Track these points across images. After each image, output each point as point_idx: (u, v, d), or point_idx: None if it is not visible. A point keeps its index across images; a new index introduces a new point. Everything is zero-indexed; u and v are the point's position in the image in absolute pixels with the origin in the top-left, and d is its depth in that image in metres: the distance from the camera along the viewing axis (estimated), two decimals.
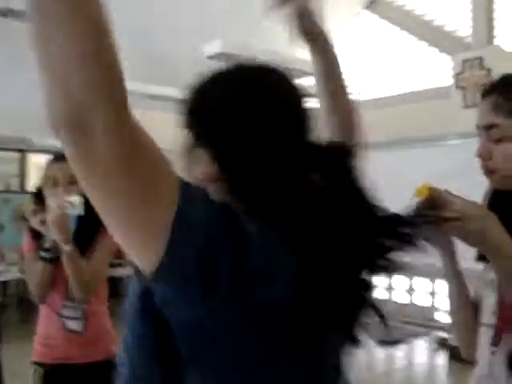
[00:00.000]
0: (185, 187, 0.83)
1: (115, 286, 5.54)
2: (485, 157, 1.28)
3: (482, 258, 1.32)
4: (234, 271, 0.82)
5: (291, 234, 0.89)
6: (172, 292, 0.85)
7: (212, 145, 0.97)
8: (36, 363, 2.36)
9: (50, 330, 2.34)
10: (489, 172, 1.28)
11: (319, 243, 0.90)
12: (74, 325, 2.31)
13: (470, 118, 5.50)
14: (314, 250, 0.89)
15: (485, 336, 1.32)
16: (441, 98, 7.43)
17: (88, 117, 0.74)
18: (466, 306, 1.39)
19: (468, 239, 1.13)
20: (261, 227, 0.88)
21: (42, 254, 2.23)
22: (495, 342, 1.28)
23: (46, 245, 2.23)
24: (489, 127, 1.27)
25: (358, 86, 9.17)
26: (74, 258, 2.18)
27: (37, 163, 9.19)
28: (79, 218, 2.17)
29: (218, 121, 0.98)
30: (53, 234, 2.15)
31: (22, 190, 8.82)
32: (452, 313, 1.43)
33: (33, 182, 7.94)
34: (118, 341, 2.47)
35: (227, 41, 5.27)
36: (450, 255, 1.34)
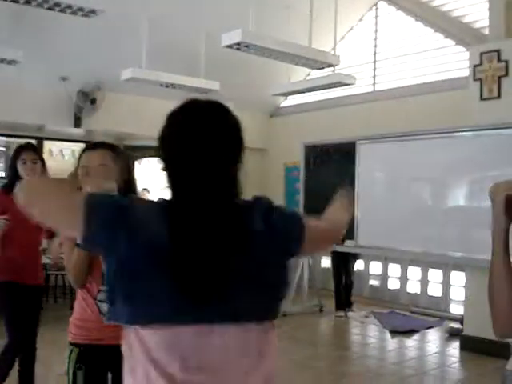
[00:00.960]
0: (89, 197, 1.46)
1: None
2: None
3: None
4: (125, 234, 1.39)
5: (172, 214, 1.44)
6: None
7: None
8: (72, 344, 2.45)
9: (86, 313, 2.43)
10: None
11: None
12: (107, 309, 2.37)
13: (486, 110, 5.50)
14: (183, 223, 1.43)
15: None
16: (457, 88, 7.43)
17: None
18: (508, 284, 1.41)
19: None
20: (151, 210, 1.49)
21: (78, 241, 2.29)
22: None
23: None
24: None
25: (375, 77, 9.19)
26: None
27: (52, 150, 9.31)
28: None
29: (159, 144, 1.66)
30: None
31: None
32: (492, 288, 1.45)
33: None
34: None
35: (247, 30, 5.30)
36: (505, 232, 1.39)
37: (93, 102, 8.55)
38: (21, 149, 4.01)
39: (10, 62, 6.22)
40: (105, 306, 2.35)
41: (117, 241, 1.38)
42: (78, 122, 8.64)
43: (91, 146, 2.47)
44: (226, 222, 1.45)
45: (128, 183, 2.46)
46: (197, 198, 1.45)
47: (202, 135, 1.50)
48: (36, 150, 4.18)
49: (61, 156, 9.57)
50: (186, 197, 1.46)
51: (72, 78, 8.28)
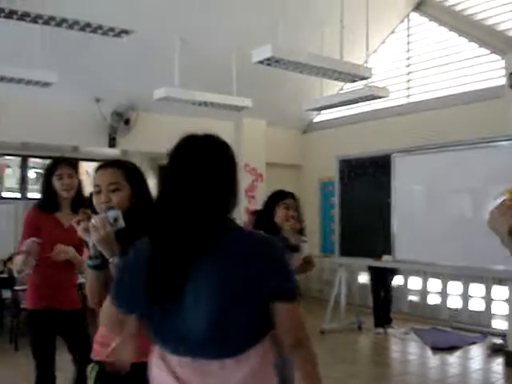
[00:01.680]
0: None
1: None
2: None
3: None
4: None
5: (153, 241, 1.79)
6: None
7: None
8: (94, 361, 2.44)
9: (104, 329, 2.40)
10: None
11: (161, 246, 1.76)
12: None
13: None
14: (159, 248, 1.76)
15: None
16: (493, 98, 7.29)
17: None
18: None
19: None
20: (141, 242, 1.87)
21: (89, 262, 2.28)
22: None
23: (91, 253, 2.27)
24: None
25: (409, 89, 9.08)
26: None
27: (88, 171, 9.41)
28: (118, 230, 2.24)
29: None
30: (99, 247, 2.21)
31: None
32: None
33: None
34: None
35: (277, 45, 5.27)
36: None
37: (127, 122, 8.63)
38: (56, 163, 3.77)
39: (45, 85, 6.27)
40: None
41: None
42: (112, 143, 8.73)
43: (103, 164, 2.44)
44: (194, 241, 1.72)
45: (143, 204, 2.38)
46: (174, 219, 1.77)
47: (185, 168, 1.79)
48: (72, 164, 3.88)
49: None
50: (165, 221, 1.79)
51: (106, 99, 8.38)
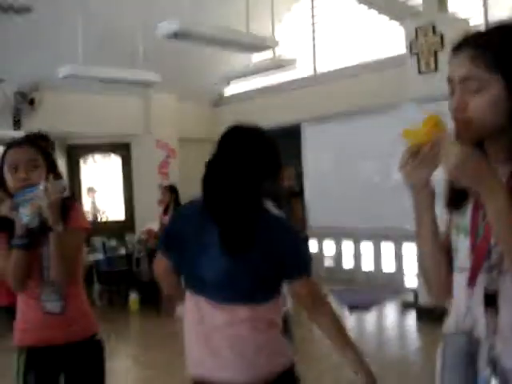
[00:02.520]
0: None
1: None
2: (461, 108, 1.32)
3: (452, 204, 1.43)
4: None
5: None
6: None
7: None
8: (19, 347, 2.38)
9: (29, 315, 2.36)
10: (464, 123, 1.31)
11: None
12: (52, 307, 2.33)
13: (425, 84, 5.59)
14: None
15: (460, 280, 1.39)
16: (396, 66, 7.53)
17: None
18: (438, 250, 1.45)
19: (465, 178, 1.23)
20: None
21: (18, 241, 2.23)
22: (471, 283, 1.35)
23: (19, 232, 2.22)
24: (465, 79, 1.31)
25: (315, 59, 9.24)
26: (63, 238, 2.21)
27: None
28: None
29: None
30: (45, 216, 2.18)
31: None
32: (423, 258, 1.48)
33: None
34: (96, 321, 2.53)
35: (183, 19, 5.24)
36: (429, 198, 1.39)
37: (31, 102, 8.35)
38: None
39: None
40: (49, 305, 2.31)
41: None
42: (17, 124, 8.43)
43: (17, 142, 2.38)
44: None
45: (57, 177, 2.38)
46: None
47: (226, 155, 2.07)
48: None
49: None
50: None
51: (8, 79, 8.06)
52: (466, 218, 1.40)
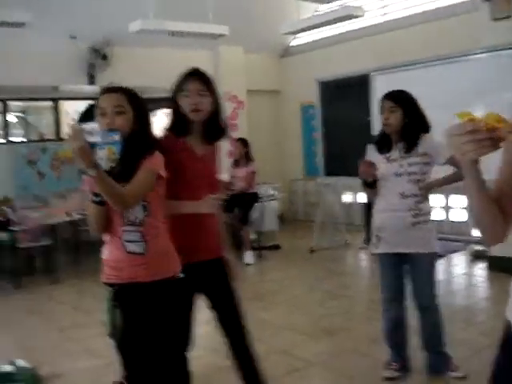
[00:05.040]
0: None
1: None
2: None
3: None
4: None
5: None
6: None
7: None
8: (106, 284, 2.56)
9: (115, 254, 2.53)
10: None
11: None
12: (134, 247, 2.49)
13: (499, 31, 5.45)
14: None
15: None
16: (468, 12, 7.33)
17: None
18: (493, 207, 1.48)
19: None
20: None
21: (93, 198, 2.38)
22: None
23: (94, 188, 2.35)
24: None
25: (384, 7, 9.06)
26: (101, 178, 2.25)
27: (68, 110, 9.39)
28: (125, 146, 2.29)
29: None
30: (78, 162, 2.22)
31: (58, 138, 9.02)
32: (479, 219, 1.52)
33: (66, 129, 8.14)
34: (178, 261, 2.63)
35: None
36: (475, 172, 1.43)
37: (104, 57, 8.56)
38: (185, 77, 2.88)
39: (19, 25, 6.15)
40: (132, 246, 2.48)
41: None
42: (91, 80, 8.68)
43: (108, 88, 2.53)
44: None
45: (144, 129, 2.54)
46: None
47: None
48: (204, 80, 2.87)
49: (77, 115, 9.67)
50: None
51: (82, 36, 8.28)
52: None
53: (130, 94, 2.51)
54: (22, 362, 4.01)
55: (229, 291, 2.99)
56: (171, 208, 2.67)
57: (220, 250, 2.99)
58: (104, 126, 2.36)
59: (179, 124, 2.82)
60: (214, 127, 2.88)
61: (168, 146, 2.68)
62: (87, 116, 2.52)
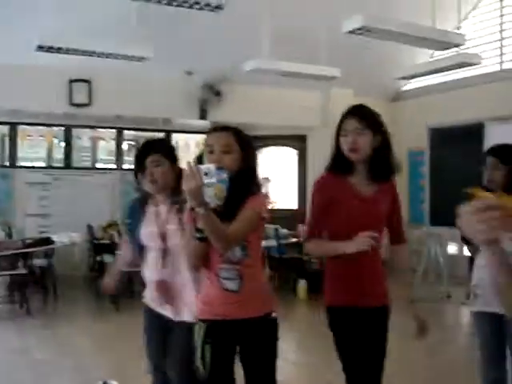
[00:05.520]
0: None
1: None
2: None
3: None
4: None
5: None
6: None
7: None
8: (199, 319, 2.59)
9: (211, 290, 2.57)
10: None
11: None
12: (230, 285, 2.51)
13: None
14: None
15: None
16: None
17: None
18: None
19: None
20: None
21: (196, 234, 2.42)
22: None
23: (199, 225, 2.38)
24: None
25: (502, 55, 8.82)
26: (209, 219, 2.28)
27: (179, 142, 9.71)
28: (231, 185, 2.31)
29: None
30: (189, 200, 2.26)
31: None
32: (502, 293, 1.43)
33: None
34: (274, 300, 2.68)
35: (368, 14, 5.26)
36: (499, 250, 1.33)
37: (217, 94, 8.82)
38: (344, 117, 2.81)
39: (140, 59, 6.46)
40: (228, 283, 2.49)
41: None
42: (203, 115, 8.95)
43: (217, 127, 2.59)
44: None
45: (250, 169, 2.57)
46: None
47: None
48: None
49: (186, 148, 9.99)
50: None
51: (197, 72, 8.58)
52: None
53: (238, 135, 2.56)
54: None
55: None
56: (326, 248, 2.72)
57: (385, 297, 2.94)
58: (211, 163, 2.39)
59: (338, 164, 2.73)
60: (380, 165, 2.75)
61: (325, 185, 2.72)
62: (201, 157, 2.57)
